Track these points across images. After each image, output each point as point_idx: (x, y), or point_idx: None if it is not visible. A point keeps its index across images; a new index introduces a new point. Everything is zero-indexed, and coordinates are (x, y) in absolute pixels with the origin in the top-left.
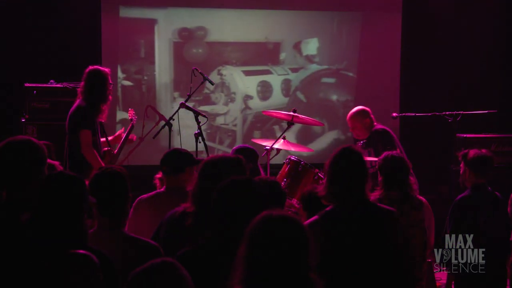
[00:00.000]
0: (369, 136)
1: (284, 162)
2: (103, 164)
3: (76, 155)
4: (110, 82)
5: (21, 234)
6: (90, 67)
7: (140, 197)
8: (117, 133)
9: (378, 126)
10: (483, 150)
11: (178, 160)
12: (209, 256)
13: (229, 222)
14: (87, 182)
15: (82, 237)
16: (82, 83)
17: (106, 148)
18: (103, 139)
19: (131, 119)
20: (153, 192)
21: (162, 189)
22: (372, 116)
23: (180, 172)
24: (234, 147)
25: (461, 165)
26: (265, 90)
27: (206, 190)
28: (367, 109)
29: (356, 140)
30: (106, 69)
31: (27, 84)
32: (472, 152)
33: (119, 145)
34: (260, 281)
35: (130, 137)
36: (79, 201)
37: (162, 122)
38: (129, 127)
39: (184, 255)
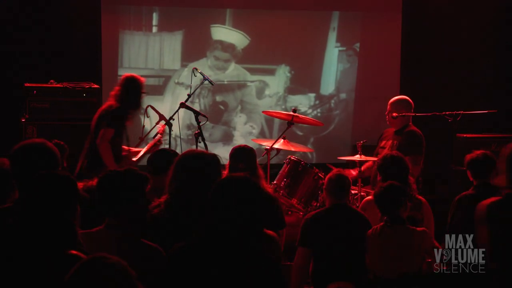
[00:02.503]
0: (401, 129)
1: (284, 162)
2: (114, 163)
3: (97, 152)
4: (143, 91)
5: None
6: (127, 74)
7: None
8: (145, 149)
9: (413, 126)
10: (480, 151)
11: (163, 161)
12: (200, 253)
13: (225, 220)
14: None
15: (71, 237)
16: (117, 88)
17: (125, 153)
18: (125, 147)
19: (160, 134)
20: None
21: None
22: (412, 110)
23: (163, 172)
24: (233, 147)
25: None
26: (264, 89)
27: (181, 182)
28: (409, 101)
29: (381, 136)
30: (142, 78)
31: (27, 84)
32: (468, 156)
33: (140, 154)
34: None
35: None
36: (67, 201)
37: (162, 122)
38: (153, 142)
39: (175, 252)
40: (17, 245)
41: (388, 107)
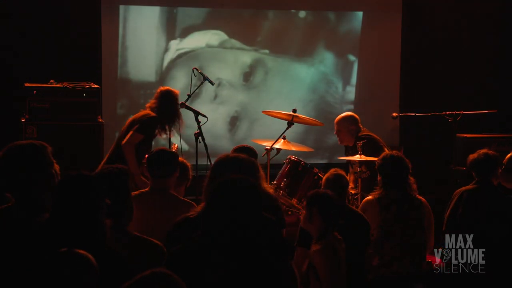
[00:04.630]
0: (354, 143)
1: (284, 162)
2: (137, 166)
3: (118, 154)
4: (179, 103)
5: (35, 235)
6: (162, 88)
7: None
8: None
9: (364, 132)
10: (482, 151)
11: (169, 165)
12: (195, 255)
13: (221, 222)
14: None
15: (100, 237)
16: (153, 101)
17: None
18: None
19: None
20: (138, 192)
21: (146, 189)
22: (360, 124)
23: (169, 176)
24: (234, 147)
25: None
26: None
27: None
28: (356, 116)
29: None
30: (176, 91)
31: (27, 84)
32: (471, 156)
33: None
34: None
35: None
36: (97, 201)
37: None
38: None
39: (173, 254)
40: (41, 244)
41: (336, 126)
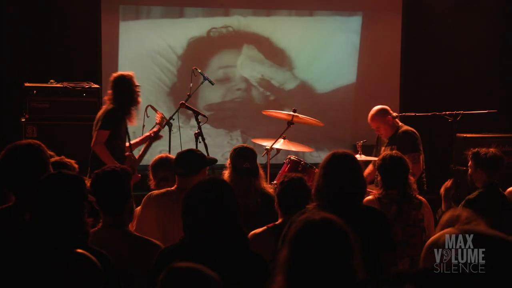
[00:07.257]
0: (394, 135)
1: (284, 162)
2: (114, 161)
3: (95, 156)
4: (136, 84)
5: (23, 234)
6: (114, 74)
7: (150, 193)
8: (143, 136)
9: (405, 126)
10: (493, 149)
11: (193, 163)
12: (178, 254)
13: (194, 222)
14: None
15: (83, 236)
16: (110, 91)
17: (127, 154)
18: (126, 144)
19: (159, 123)
20: (164, 190)
21: (173, 188)
22: (391, 112)
23: (194, 174)
24: (234, 147)
25: (470, 164)
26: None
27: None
28: (386, 107)
29: (378, 140)
30: (130, 73)
31: (27, 84)
32: (483, 151)
33: (142, 150)
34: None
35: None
36: (79, 200)
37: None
38: (154, 130)
39: (161, 253)
40: (27, 244)
41: (373, 123)
